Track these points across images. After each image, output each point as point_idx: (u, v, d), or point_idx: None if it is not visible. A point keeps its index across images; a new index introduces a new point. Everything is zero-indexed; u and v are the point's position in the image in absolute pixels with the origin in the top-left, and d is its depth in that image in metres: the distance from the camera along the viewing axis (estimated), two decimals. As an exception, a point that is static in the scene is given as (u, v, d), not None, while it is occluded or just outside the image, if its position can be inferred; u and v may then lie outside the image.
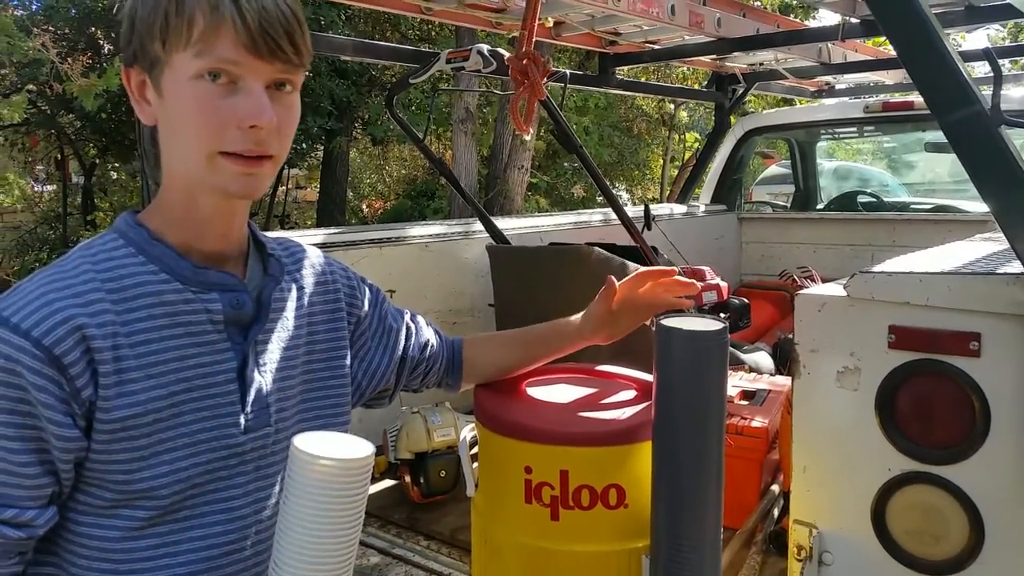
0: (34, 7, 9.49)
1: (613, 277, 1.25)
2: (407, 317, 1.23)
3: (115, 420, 0.84)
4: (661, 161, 13.35)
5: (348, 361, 1.10)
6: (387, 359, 1.17)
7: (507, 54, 2.22)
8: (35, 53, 5.80)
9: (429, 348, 1.23)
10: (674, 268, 1.25)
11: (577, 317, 1.29)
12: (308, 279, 1.06)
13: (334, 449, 0.82)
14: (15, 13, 7.27)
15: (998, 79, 1.35)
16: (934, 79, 1.15)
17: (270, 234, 1.08)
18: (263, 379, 0.96)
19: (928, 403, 1.18)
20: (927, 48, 1.13)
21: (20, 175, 10.93)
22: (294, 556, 0.81)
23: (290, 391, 1.00)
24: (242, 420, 0.93)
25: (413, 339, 1.21)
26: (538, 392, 1.28)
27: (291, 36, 0.86)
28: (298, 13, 0.88)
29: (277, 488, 0.97)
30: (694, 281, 1.26)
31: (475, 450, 1.31)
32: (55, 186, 11.67)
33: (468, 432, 1.37)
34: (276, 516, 0.95)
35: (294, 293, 1.03)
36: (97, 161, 10.94)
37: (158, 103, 0.89)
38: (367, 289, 1.17)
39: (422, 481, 2.20)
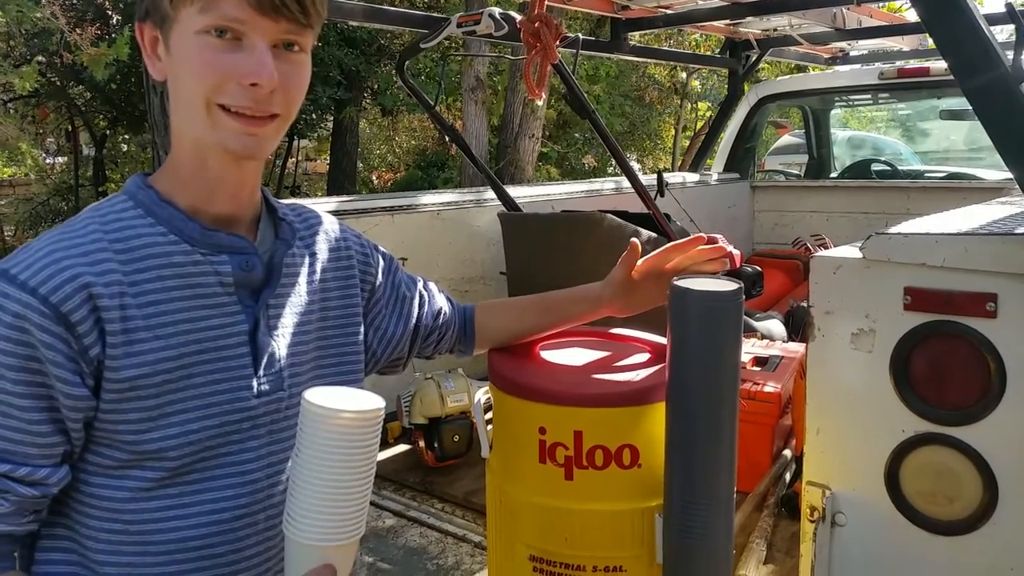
0: (42, -23, 9.44)
1: (636, 241, 1.23)
2: (420, 285, 1.23)
3: (123, 380, 0.85)
4: (673, 131, 13.25)
5: (361, 329, 1.10)
6: (401, 327, 1.17)
7: (519, 17, 2.19)
8: (45, 23, 5.78)
9: (442, 315, 1.24)
10: (701, 236, 1.23)
11: (594, 284, 1.27)
12: (322, 246, 1.06)
13: (345, 402, 0.83)
14: (23, -17, 7.22)
15: (1020, 36, 1.33)
16: (957, 41, 1.13)
17: (285, 201, 1.08)
18: (275, 343, 0.96)
19: (943, 365, 1.18)
20: (951, 9, 1.11)
21: (32, 146, 10.95)
22: (310, 507, 0.82)
23: (303, 356, 1.00)
24: (255, 384, 0.94)
25: (426, 307, 1.21)
26: (552, 355, 1.29)
27: None
28: None
29: (286, 454, 0.97)
30: (727, 247, 1.24)
31: (490, 414, 1.32)
32: (66, 158, 11.69)
33: (482, 395, 1.38)
34: (287, 479, 0.96)
35: (307, 260, 1.03)
36: (108, 132, 10.93)
37: (167, 59, 0.89)
38: (381, 257, 1.17)
39: (436, 445, 2.23)
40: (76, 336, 0.82)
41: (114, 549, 0.89)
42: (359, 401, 0.84)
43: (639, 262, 1.23)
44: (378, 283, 1.14)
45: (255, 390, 0.94)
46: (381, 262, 1.17)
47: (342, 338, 1.07)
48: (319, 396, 0.83)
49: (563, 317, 1.29)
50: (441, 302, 1.25)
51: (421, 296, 1.22)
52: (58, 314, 0.81)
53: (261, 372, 0.94)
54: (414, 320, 1.19)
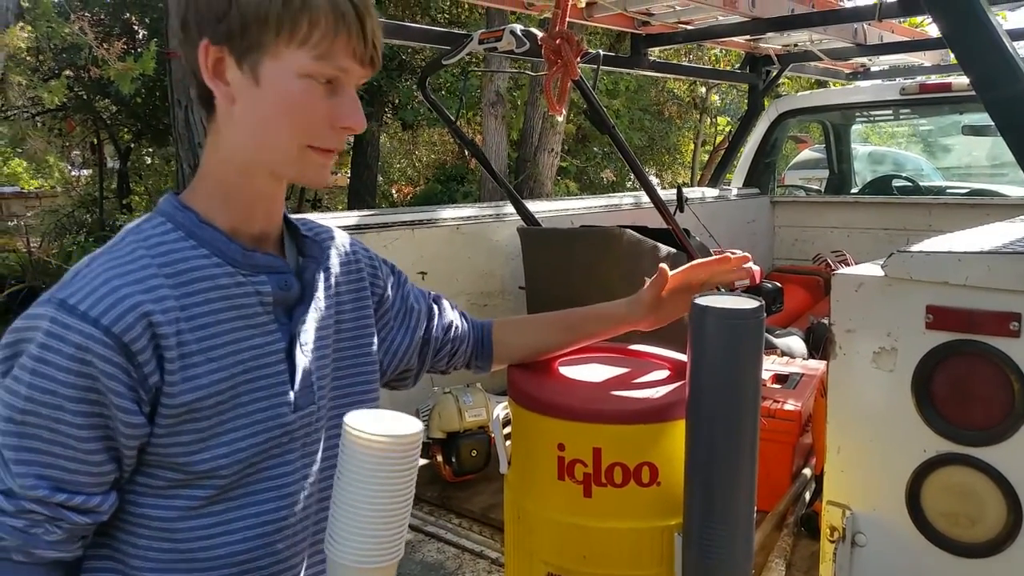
0: (70, -7, 9.61)
1: (666, 267, 1.24)
2: (430, 299, 1.24)
3: (180, 405, 0.86)
4: (692, 145, 13.23)
5: (375, 340, 1.11)
6: (408, 339, 1.18)
7: (540, 34, 2.21)
8: (73, 38, 5.88)
9: (454, 330, 1.24)
10: (727, 256, 1.23)
11: (620, 302, 1.28)
12: (334, 259, 1.08)
13: (386, 427, 0.84)
14: (53, 0, 7.36)
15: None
16: (979, 55, 1.13)
17: (295, 217, 1.10)
18: (306, 358, 0.98)
19: (966, 384, 1.17)
20: (973, 24, 1.11)
21: (59, 159, 11.11)
22: (351, 530, 0.83)
23: (325, 369, 1.02)
24: (292, 398, 0.95)
25: (436, 320, 1.22)
26: (571, 370, 1.29)
27: (381, 46, 0.91)
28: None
29: (317, 466, 1.00)
30: (752, 266, 1.25)
31: (508, 428, 1.32)
32: (91, 170, 11.85)
33: (501, 410, 1.38)
34: (318, 492, 0.98)
35: (323, 274, 1.04)
36: (132, 145, 11.08)
37: (246, 87, 0.88)
38: (389, 270, 1.18)
39: (454, 460, 2.23)
40: (136, 365, 0.83)
41: (163, 568, 0.90)
42: (398, 425, 0.85)
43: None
44: (386, 295, 1.16)
45: (292, 405, 0.95)
46: (390, 276, 1.18)
47: (356, 350, 1.08)
48: (359, 421, 0.84)
49: (585, 335, 1.29)
50: (453, 316, 1.25)
51: (431, 309, 1.22)
52: (120, 344, 0.82)
53: (296, 387, 0.96)
54: (421, 333, 1.20)
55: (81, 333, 0.81)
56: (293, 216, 1.09)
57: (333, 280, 1.06)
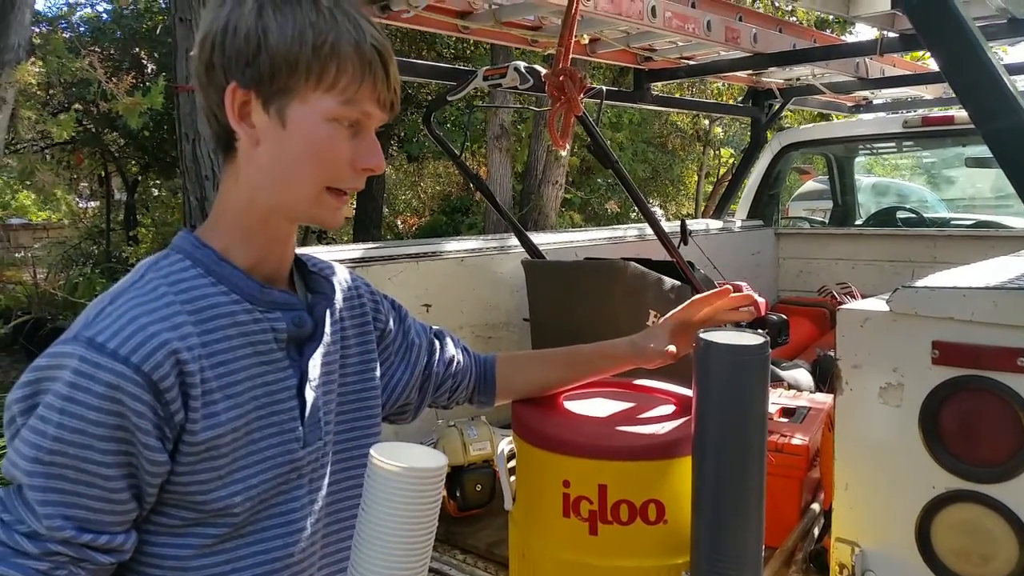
0: (81, 29, 9.76)
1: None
2: (431, 333, 1.24)
3: (201, 442, 0.86)
4: (696, 177, 13.28)
5: (378, 374, 1.12)
6: (408, 374, 1.18)
7: (544, 71, 2.23)
8: (83, 73, 5.96)
9: (455, 364, 1.24)
10: (727, 288, 1.24)
11: (624, 340, 1.29)
12: (339, 295, 1.09)
13: (411, 459, 0.85)
14: (64, 36, 7.47)
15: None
16: (978, 91, 1.13)
17: (309, 251, 1.11)
18: (314, 394, 0.98)
19: (973, 420, 1.16)
20: (970, 59, 1.12)
21: (67, 191, 11.21)
22: (378, 562, 0.84)
23: (331, 404, 1.02)
24: (301, 434, 0.96)
25: (437, 355, 1.23)
26: (576, 406, 1.28)
27: (399, 92, 0.94)
28: None
29: (324, 498, 1.00)
30: (754, 295, 1.25)
31: (512, 463, 1.32)
32: (99, 202, 11.94)
33: (506, 445, 1.37)
34: (323, 526, 0.97)
35: (328, 310, 1.05)
36: (139, 178, 11.18)
37: (273, 129, 0.89)
38: (390, 306, 1.19)
39: (458, 495, 2.21)
40: (164, 403, 0.83)
41: None
42: (425, 458, 0.87)
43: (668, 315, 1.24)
44: (388, 330, 1.16)
45: (302, 441, 0.96)
46: (391, 311, 1.19)
47: (360, 384, 1.09)
48: (387, 454, 0.85)
49: (589, 372, 1.30)
50: (454, 352, 1.26)
51: (432, 344, 1.23)
52: (150, 383, 0.82)
53: (305, 423, 0.96)
54: (422, 368, 1.20)
55: (112, 372, 0.80)
56: (298, 251, 1.10)
57: (338, 315, 1.07)
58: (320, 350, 1.01)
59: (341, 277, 1.12)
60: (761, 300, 2.68)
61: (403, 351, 1.18)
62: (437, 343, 1.24)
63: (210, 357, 0.88)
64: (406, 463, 0.84)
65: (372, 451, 0.86)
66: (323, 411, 1.00)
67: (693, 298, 1.26)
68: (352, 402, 1.07)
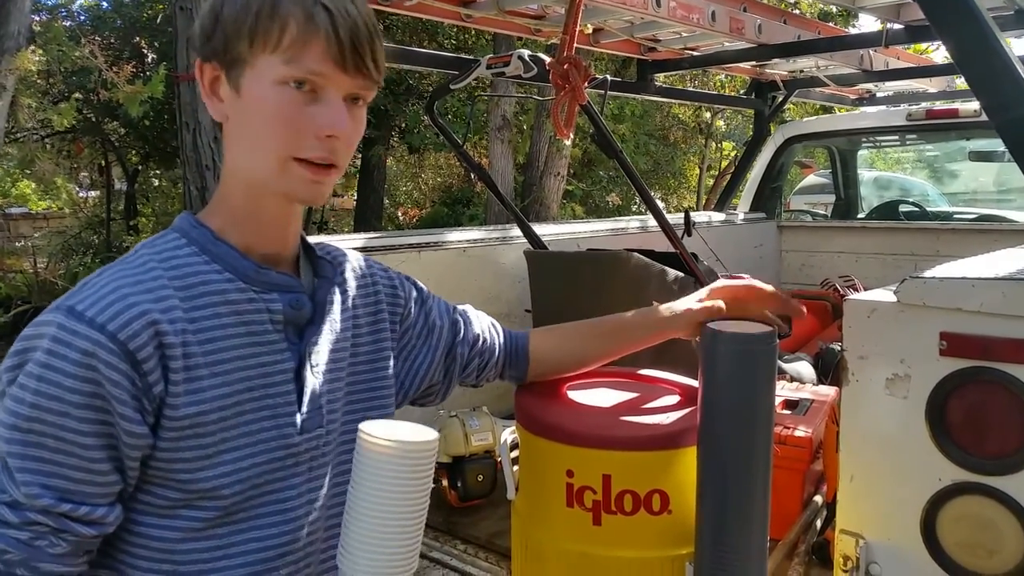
0: (81, 18, 9.73)
1: (722, 304, 1.18)
2: (455, 313, 1.22)
3: (183, 417, 0.85)
4: (697, 169, 13.27)
5: (391, 362, 1.10)
6: (430, 357, 1.16)
7: (548, 59, 2.22)
8: (83, 61, 5.94)
9: (481, 343, 1.22)
10: (778, 293, 1.19)
11: (659, 308, 1.22)
12: (350, 282, 1.07)
13: (401, 434, 0.84)
14: (64, 24, 7.45)
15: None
16: (992, 80, 1.12)
17: (312, 240, 1.10)
18: (316, 380, 0.97)
19: (981, 412, 1.15)
20: (984, 49, 1.10)
21: (67, 180, 11.20)
22: (367, 540, 0.83)
23: (337, 392, 1.01)
24: (298, 420, 0.94)
25: (461, 335, 1.20)
26: (580, 395, 1.28)
27: (374, 53, 0.88)
28: (379, 31, 0.90)
29: (325, 489, 0.98)
30: (802, 308, 1.22)
31: (515, 453, 1.31)
32: (99, 192, 11.93)
33: (509, 435, 1.37)
34: (324, 516, 0.96)
35: (339, 296, 1.04)
36: (140, 168, 11.16)
37: (233, 101, 0.89)
38: (412, 288, 1.17)
39: (459, 485, 2.20)
40: (141, 374, 0.83)
41: None
42: (415, 432, 0.85)
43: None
44: (408, 313, 1.14)
45: (298, 426, 0.94)
46: (413, 292, 1.17)
47: (371, 373, 1.07)
48: (376, 428, 0.84)
49: (629, 341, 1.25)
50: (480, 330, 1.23)
51: (455, 325, 1.20)
52: (126, 351, 0.81)
53: (303, 409, 0.95)
54: (444, 350, 1.18)
55: (88, 339, 0.80)
56: (312, 239, 1.09)
57: (350, 303, 1.06)
58: (326, 336, 0.99)
59: (356, 264, 1.10)
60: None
61: (424, 334, 1.16)
62: (461, 323, 1.21)
63: (197, 333, 0.87)
64: (396, 438, 0.83)
65: (361, 427, 0.84)
66: (326, 398, 0.98)
67: (748, 284, 1.20)
68: (363, 391, 1.06)
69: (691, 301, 1.19)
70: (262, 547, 0.92)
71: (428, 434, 0.85)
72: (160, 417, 0.85)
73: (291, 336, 0.95)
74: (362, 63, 0.87)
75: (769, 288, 1.19)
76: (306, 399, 0.95)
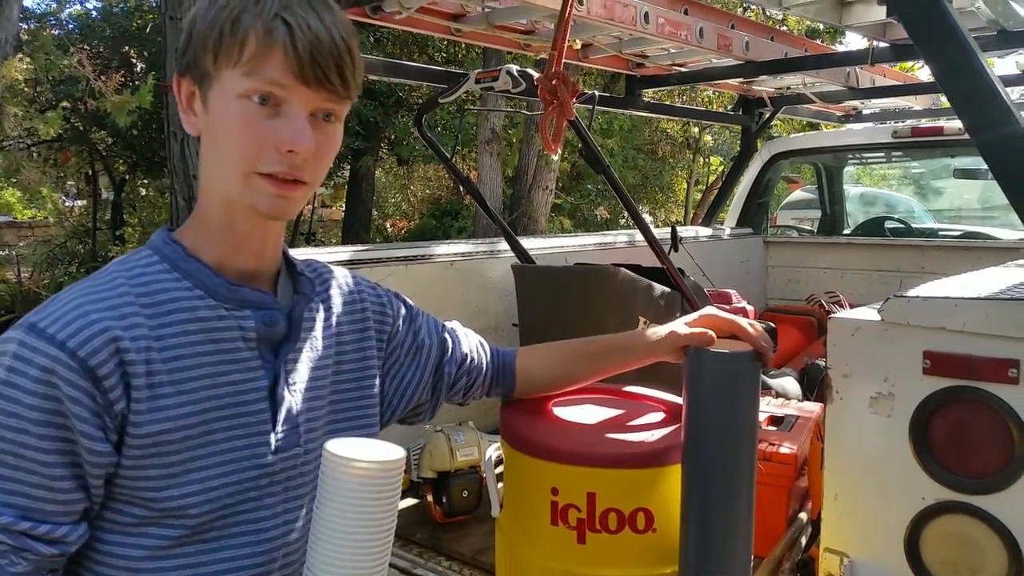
0: (70, 26, 9.70)
1: (713, 334, 1.13)
2: (444, 331, 1.21)
3: (146, 435, 0.84)
4: (685, 184, 13.34)
5: (377, 381, 1.09)
6: (418, 376, 1.15)
7: (536, 74, 2.22)
8: (71, 70, 5.92)
9: (468, 362, 1.21)
10: (757, 327, 1.14)
11: (648, 332, 1.21)
12: (336, 299, 1.06)
13: (367, 452, 0.83)
14: (53, 32, 7.43)
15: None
16: (973, 100, 1.13)
17: (297, 253, 1.08)
18: (293, 398, 0.95)
19: (964, 431, 1.16)
20: (966, 68, 1.12)
21: (53, 189, 11.14)
22: (332, 560, 0.82)
23: (318, 411, 1.00)
24: (272, 440, 0.93)
25: (449, 354, 1.19)
26: (565, 412, 1.27)
27: (340, 68, 0.87)
28: (351, 45, 0.88)
29: (305, 510, 0.97)
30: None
31: (500, 469, 1.30)
32: (85, 201, 11.87)
33: (494, 451, 1.36)
34: (305, 539, 0.95)
35: (322, 313, 1.03)
36: (127, 177, 11.11)
37: (204, 116, 0.89)
38: (401, 305, 1.16)
39: (444, 501, 2.19)
40: (102, 391, 0.82)
41: None
42: (379, 451, 0.84)
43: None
44: (396, 332, 1.13)
45: (272, 446, 0.93)
46: (402, 310, 1.16)
47: (356, 392, 1.06)
48: (340, 447, 0.83)
49: (614, 363, 1.24)
50: (468, 348, 1.22)
51: (443, 344, 1.19)
52: (85, 368, 0.81)
53: (279, 428, 0.94)
54: (432, 368, 1.17)
55: (47, 356, 0.80)
56: (299, 256, 1.07)
57: (335, 320, 1.04)
58: (306, 354, 0.98)
59: (342, 282, 1.09)
60: (750, 308, 2.67)
61: (413, 352, 1.15)
62: (449, 341, 1.20)
63: (162, 351, 0.86)
64: (360, 457, 0.82)
65: (326, 445, 0.83)
66: (305, 416, 0.97)
67: (735, 319, 1.14)
68: (347, 410, 1.04)
69: (679, 325, 1.17)
70: (234, 567, 0.90)
71: (394, 453, 0.84)
72: (123, 435, 0.84)
73: (265, 354, 0.94)
74: (324, 77, 0.86)
75: (753, 332, 1.12)
76: (281, 418, 0.94)
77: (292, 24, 0.84)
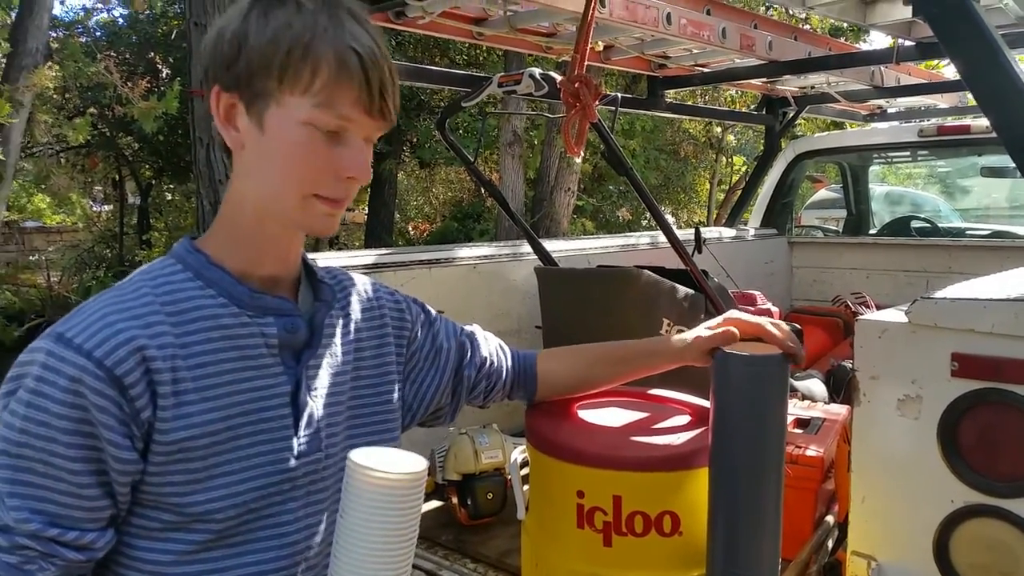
0: (97, 34, 9.83)
1: (735, 331, 1.13)
2: (463, 335, 1.22)
3: (172, 442, 0.85)
4: (708, 185, 13.26)
5: (396, 387, 1.10)
6: (437, 380, 1.16)
7: (559, 77, 2.23)
8: (99, 77, 6.00)
9: (488, 365, 1.22)
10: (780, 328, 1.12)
11: (673, 337, 1.20)
12: (355, 306, 1.07)
13: (392, 463, 0.84)
14: (81, 40, 7.54)
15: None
16: (1000, 98, 1.12)
17: (321, 257, 1.10)
18: (314, 404, 0.97)
19: (993, 433, 1.15)
20: (992, 66, 1.11)
21: (81, 195, 11.31)
22: (355, 568, 0.83)
23: (338, 417, 1.01)
24: (295, 445, 0.94)
25: (468, 358, 1.20)
26: (591, 415, 1.27)
27: (395, 97, 0.90)
28: (396, 72, 0.91)
29: (326, 516, 0.98)
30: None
31: (525, 472, 1.31)
32: (112, 206, 12.03)
33: (519, 454, 1.37)
34: (326, 544, 0.96)
35: (342, 320, 1.04)
36: (153, 182, 11.25)
37: (253, 134, 0.89)
38: (419, 311, 1.17)
39: (469, 503, 2.20)
40: (129, 399, 0.83)
41: None
42: (404, 462, 0.85)
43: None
44: (415, 337, 1.14)
45: (295, 451, 0.94)
46: (421, 315, 1.17)
47: (375, 398, 1.07)
48: (365, 457, 0.84)
49: (635, 368, 1.24)
50: (488, 352, 1.23)
51: (462, 346, 1.20)
52: (112, 377, 0.82)
53: (301, 433, 0.95)
54: (451, 372, 1.18)
55: (75, 365, 0.81)
56: (320, 263, 1.09)
57: (353, 327, 1.05)
58: (325, 360, 0.99)
59: (361, 288, 1.10)
60: (774, 310, 2.65)
61: (431, 357, 1.16)
62: (468, 345, 1.21)
63: (187, 358, 0.87)
64: (383, 467, 0.83)
65: (350, 454, 0.85)
66: (326, 422, 0.98)
67: (760, 321, 1.13)
68: (366, 415, 1.05)
69: (702, 329, 1.16)
70: (259, 571, 0.91)
71: (416, 464, 0.85)
72: (149, 442, 0.85)
73: (287, 360, 0.95)
74: (387, 109, 0.90)
75: (779, 333, 1.11)
76: (303, 423, 0.95)
77: (364, 56, 0.86)
